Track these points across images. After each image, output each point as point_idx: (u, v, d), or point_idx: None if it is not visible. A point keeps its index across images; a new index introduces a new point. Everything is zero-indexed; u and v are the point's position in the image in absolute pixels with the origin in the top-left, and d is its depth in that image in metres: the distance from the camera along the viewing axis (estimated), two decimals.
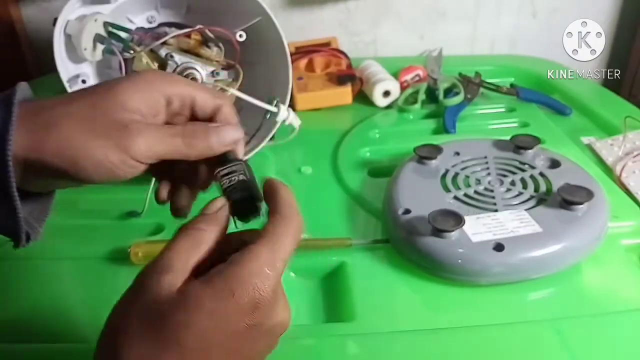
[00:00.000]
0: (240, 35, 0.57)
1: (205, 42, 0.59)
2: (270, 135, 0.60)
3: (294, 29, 0.96)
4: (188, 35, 0.57)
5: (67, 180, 0.29)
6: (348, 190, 0.58)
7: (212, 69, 0.57)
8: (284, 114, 0.59)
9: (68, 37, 0.52)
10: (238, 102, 0.59)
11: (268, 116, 0.58)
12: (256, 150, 0.60)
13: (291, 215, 0.29)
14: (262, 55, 0.62)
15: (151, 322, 0.25)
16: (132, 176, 0.30)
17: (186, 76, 0.56)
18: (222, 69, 0.59)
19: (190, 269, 0.27)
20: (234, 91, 0.57)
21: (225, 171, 0.31)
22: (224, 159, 0.32)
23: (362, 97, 0.81)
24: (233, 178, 0.31)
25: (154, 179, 0.51)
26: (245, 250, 0.27)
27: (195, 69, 0.56)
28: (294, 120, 0.60)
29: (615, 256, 0.48)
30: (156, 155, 0.30)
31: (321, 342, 0.40)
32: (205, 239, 0.28)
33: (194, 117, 0.33)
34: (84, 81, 0.54)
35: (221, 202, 0.30)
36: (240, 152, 0.33)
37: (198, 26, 0.57)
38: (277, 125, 0.60)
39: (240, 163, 0.32)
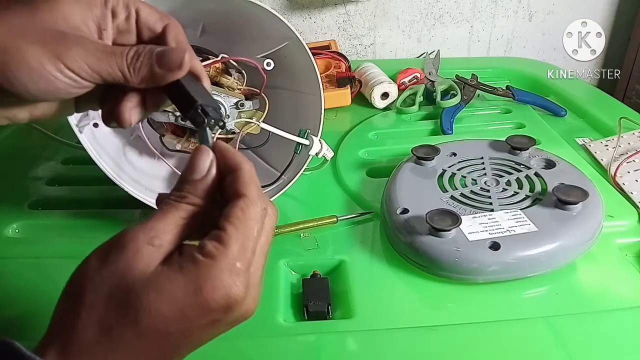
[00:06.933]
0: (268, 64, 0.53)
1: (225, 68, 0.55)
2: (302, 171, 0.56)
3: None
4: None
5: (4, 95, 0.26)
6: (347, 190, 0.59)
7: (235, 99, 0.53)
8: (317, 146, 0.54)
9: None
10: (265, 132, 0.54)
11: (299, 151, 0.54)
12: (286, 189, 0.55)
13: (259, 198, 0.27)
14: (287, 80, 0.58)
15: (118, 294, 0.24)
16: (76, 93, 0.28)
17: None
18: (246, 98, 0.54)
19: (176, 245, 0.26)
20: (262, 124, 0.52)
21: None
22: (185, 96, 0.29)
23: (361, 99, 0.82)
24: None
25: None
26: (217, 240, 0.25)
27: (219, 101, 0.52)
28: (327, 152, 0.56)
29: (609, 255, 0.48)
30: (95, 70, 0.27)
31: (320, 338, 0.41)
32: (198, 213, 0.27)
33: (141, 40, 0.30)
34: None
35: (208, 160, 0.28)
36: (207, 85, 0.31)
37: (221, 56, 0.52)
38: (309, 159, 0.56)
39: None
